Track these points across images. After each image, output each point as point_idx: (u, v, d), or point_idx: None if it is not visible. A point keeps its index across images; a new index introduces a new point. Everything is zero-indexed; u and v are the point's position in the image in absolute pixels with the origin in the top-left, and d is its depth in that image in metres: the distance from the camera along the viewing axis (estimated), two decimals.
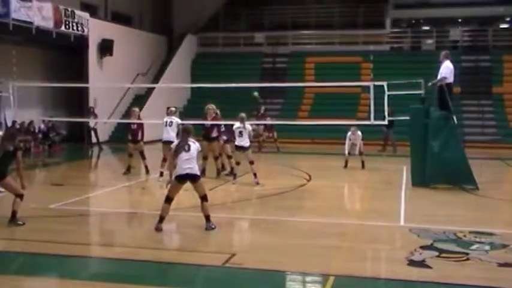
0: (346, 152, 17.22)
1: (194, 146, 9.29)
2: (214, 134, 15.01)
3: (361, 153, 17.32)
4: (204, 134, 14.95)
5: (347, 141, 17.26)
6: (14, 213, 9.50)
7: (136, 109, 16.24)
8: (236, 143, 13.99)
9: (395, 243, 8.82)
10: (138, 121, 15.78)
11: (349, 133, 17.24)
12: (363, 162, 17.13)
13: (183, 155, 9.09)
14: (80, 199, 11.94)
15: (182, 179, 9.12)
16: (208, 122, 14.91)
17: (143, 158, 15.54)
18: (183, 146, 9.16)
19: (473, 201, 12.12)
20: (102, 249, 8.59)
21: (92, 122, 23.28)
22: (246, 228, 9.84)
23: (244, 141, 13.87)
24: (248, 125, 14.11)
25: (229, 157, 14.94)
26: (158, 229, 9.03)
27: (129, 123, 15.96)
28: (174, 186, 9.19)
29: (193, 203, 11.63)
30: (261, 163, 14.40)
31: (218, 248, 8.18)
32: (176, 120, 14.70)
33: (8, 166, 9.66)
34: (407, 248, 8.00)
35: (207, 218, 9.26)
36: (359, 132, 17.26)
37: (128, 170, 15.44)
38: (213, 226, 9.19)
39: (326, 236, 8.93)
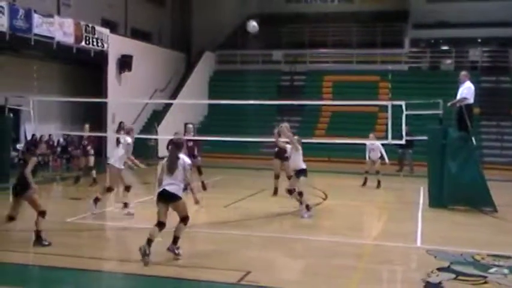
0: (367, 157, 17.36)
1: (182, 162, 8.53)
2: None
3: (377, 172, 17.26)
4: (277, 153, 14.90)
5: (367, 152, 17.37)
6: (38, 233, 9.07)
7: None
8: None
9: (412, 265, 8.74)
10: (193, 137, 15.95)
11: (368, 144, 17.25)
12: (378, 182, 17.06)
13: (166, 175, 8.45)
14: (97, 213, 11.97)
15: (160, 196, 8.43)
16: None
17: (200, 173, 15.44)
18: (170, 165, 8.49)
19: (491, 223, 11.97)
20: (117, 264, 8.59)
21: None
22: (261, 246, 9.79)
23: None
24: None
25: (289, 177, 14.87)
26: (143, 251, 8.11)
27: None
28: (157, 207, 8.44)
29: (208, 219, 11.66)
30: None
31: (233, 265, 8.15)
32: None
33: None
34: (423, 270, 7.92)
35: (175, 239, 8.48)
36: (377, 143, 17.18)
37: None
38: (176, 251, 8.42)
39: (342, 255, 8.87)
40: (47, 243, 9.01)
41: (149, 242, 8.18)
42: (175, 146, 8.91)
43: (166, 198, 8.37)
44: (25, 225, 9.81)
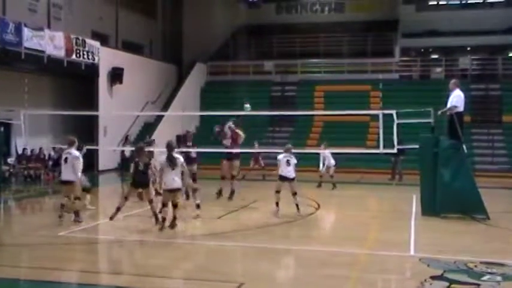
0: (321, 165, 19.45)
1: (178, 161, 11.33)
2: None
3: (331, 177, 19.23)
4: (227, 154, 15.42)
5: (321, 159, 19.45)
6: (156, 215, 11.79)
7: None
8: (281, 173, 13.55)
9: (405, 273, 8.72)
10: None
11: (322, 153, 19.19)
12: (333, 184, 19.10)
13: (170, 172, 11.24)
14: (89, 227, 11.92)
15: (169, 192, 11.33)
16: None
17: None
18: (169, 164, 11.22)
19: (484, 231, 11.99)
20: (110, 277, 8.53)
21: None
22: (255, 257, 9.76)
23: (291, 172, 13.49)
24: (293, 156, 13.67)
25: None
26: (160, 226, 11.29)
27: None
28: (164, 196, 11.52)
29: (201, 231, 11.63)
30: (270, 191, 14.32)
31: (226, 277, 8.11)
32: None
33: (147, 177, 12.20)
34: (417, 278, 7.91)
35: (174, 218, 11.36)
36: (327, 152, 19.04)
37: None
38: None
39: (335, 265, 8.85)
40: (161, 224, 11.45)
41: (163, 219, 11.31)
42: (169, 147, 11.50)
43: (171, 190, 11.31)
44: (14, 240, 9.76)
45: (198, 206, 12.98)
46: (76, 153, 12.24)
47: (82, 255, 9.57)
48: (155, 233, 11.14)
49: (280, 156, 13.65)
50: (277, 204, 13.58)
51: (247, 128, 23.33)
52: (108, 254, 10.21)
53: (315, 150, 19.70)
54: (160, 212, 11.60)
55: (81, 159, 12.24)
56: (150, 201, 12.07)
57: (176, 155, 11.49)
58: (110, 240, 11.08)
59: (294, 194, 13.53)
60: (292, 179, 13.53)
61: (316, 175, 19.69)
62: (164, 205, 11.41)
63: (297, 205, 13.48)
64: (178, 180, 11.38)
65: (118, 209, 12.06)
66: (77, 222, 12.01)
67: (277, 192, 13.60)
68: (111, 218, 12.00)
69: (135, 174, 12.15)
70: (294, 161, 13.57)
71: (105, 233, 11.85)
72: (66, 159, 12.16)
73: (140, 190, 12.94)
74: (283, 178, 13.54)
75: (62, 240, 10.57)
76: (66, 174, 12.19)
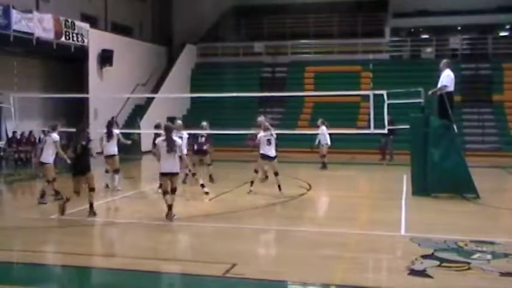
0: (316, 141, 19.63)
1: (176, 144, 10.65)
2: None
3: (323, 156, 19.24)
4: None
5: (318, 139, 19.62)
6: (92, 205, 11.03)
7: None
8: (262, 152, 13.77)
9: (396, 253, 8.80)
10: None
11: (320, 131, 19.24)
12: (324, 164, 19.16)
13: (165, 155, 10.57)
14: (81, 209, 11.90)
15: (165, 175, 10.70)
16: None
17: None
18: (166, 146, 10.55)
19: (474, 210, 12.10)
20: (103, 259, 8.53)
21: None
22: (246, 238, 9.82)
23: (272, 151, 13.74)
24: (274, 133, 13.91)
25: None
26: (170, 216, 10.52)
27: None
28: (161, 180, 10.99)
29: (193, 212, 11.67)
30: (260, 172, 14.39)
31: (219, 258, 8.16)
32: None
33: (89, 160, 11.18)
34: (408, 258, 7.99)
35: (170, 207, 10.53)
36: (323, 127, 19.15)
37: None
38: (173, 216, 10.51)
39: (327, 245, 8.91)
40: (96, 214, 11.02)
41: (170, 207, 10.53)
42: (167, 129, 10.82)
43: (169, 174, 10.62)
44: (5, 223, 9.74)
45: (205, 190, 13.61)
46: (55, 137, 12.68)
47: (75, 238, 9.57)
48: (148, 215, 11.16)
49: (260, 135, 13.86)
50: (251, 183, 13.86)
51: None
52: (100, 237, 10.23)
53: (313, 131, 19.62)
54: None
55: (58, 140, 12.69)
56: (77, 194, 11.11)
57: (174, 138, 10.83)
58: (102, 222, 11.10)
59: (276, 174, 13.75)
60: (273, 158, 13.79)
61: (307, 156, 19.75)
62: (165, 193, 10.71)
63: (279, 186, 13.64)
64: (174, 164, 10.69)
65: (66, 200, 11.22)
66: (41, 203, 12.31)
67: (256, 172, 13.94)
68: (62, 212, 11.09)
69: (75, 159, 11.11)
70: (274, 139, 13.81)
71: (97, 216, 11.86)
72: (45, 141, 12.82)
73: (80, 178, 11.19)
74: (264, 156, 13.78)
75: (54, 223, 10.58)
76: (43, 156, 12.80)
